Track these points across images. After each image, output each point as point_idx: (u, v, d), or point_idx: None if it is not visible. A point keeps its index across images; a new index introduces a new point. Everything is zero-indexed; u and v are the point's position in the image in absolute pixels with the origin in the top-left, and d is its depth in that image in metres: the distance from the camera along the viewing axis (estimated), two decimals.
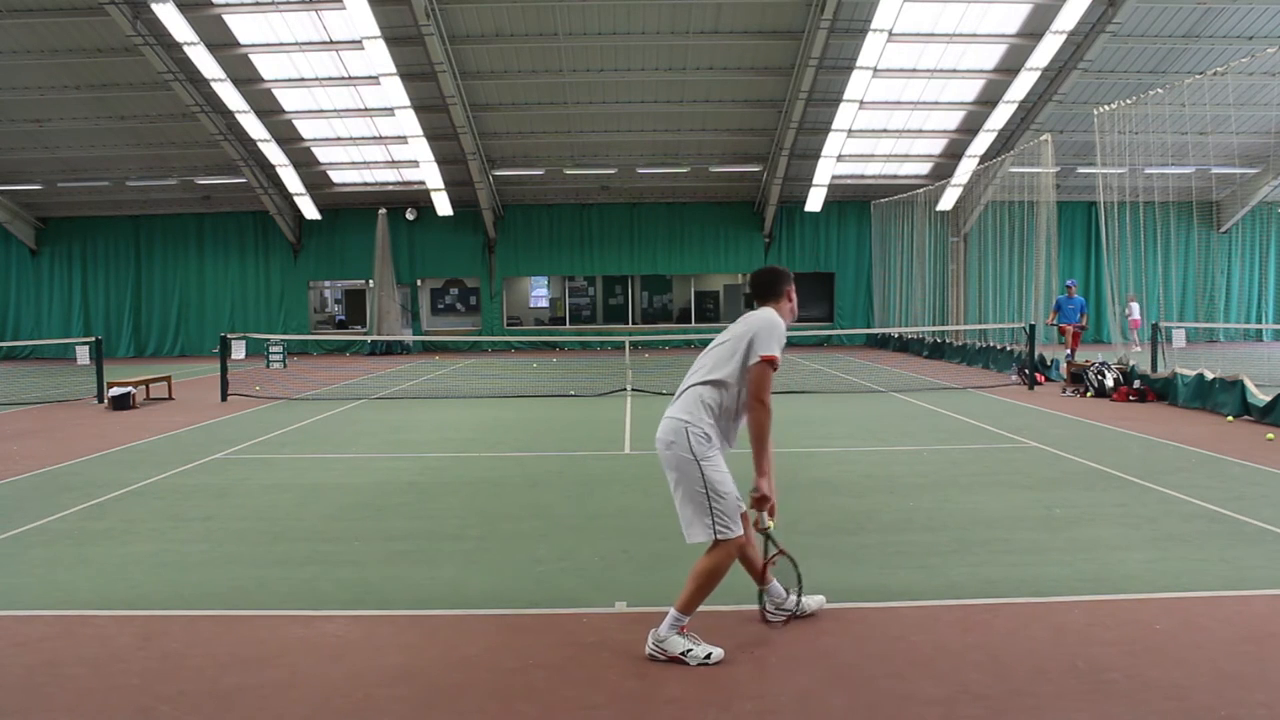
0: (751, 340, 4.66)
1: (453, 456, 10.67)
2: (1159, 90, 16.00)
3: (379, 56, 23.27)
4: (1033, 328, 18.05)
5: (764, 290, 4.97)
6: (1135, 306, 22.56)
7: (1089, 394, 15.68)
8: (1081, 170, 29.15)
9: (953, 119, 27.61)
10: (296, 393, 17.86)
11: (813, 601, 5.18)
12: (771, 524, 4.83)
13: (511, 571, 6.14)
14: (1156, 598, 5.41)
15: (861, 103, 25.84)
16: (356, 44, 23.24)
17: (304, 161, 28.99)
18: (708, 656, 4.55)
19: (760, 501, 4.67)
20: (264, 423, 13.71)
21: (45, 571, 6.25)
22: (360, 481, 9.21)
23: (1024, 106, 26.30)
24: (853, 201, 31.61)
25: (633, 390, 17.13)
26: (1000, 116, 26.52)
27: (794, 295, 5.01)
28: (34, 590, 5.85)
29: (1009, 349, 20.67)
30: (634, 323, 33.25)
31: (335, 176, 30.50)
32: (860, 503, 7.95)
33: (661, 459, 4.78)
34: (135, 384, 16.30)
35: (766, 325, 4.70)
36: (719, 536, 4.61)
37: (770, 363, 4.63)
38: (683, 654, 4.55)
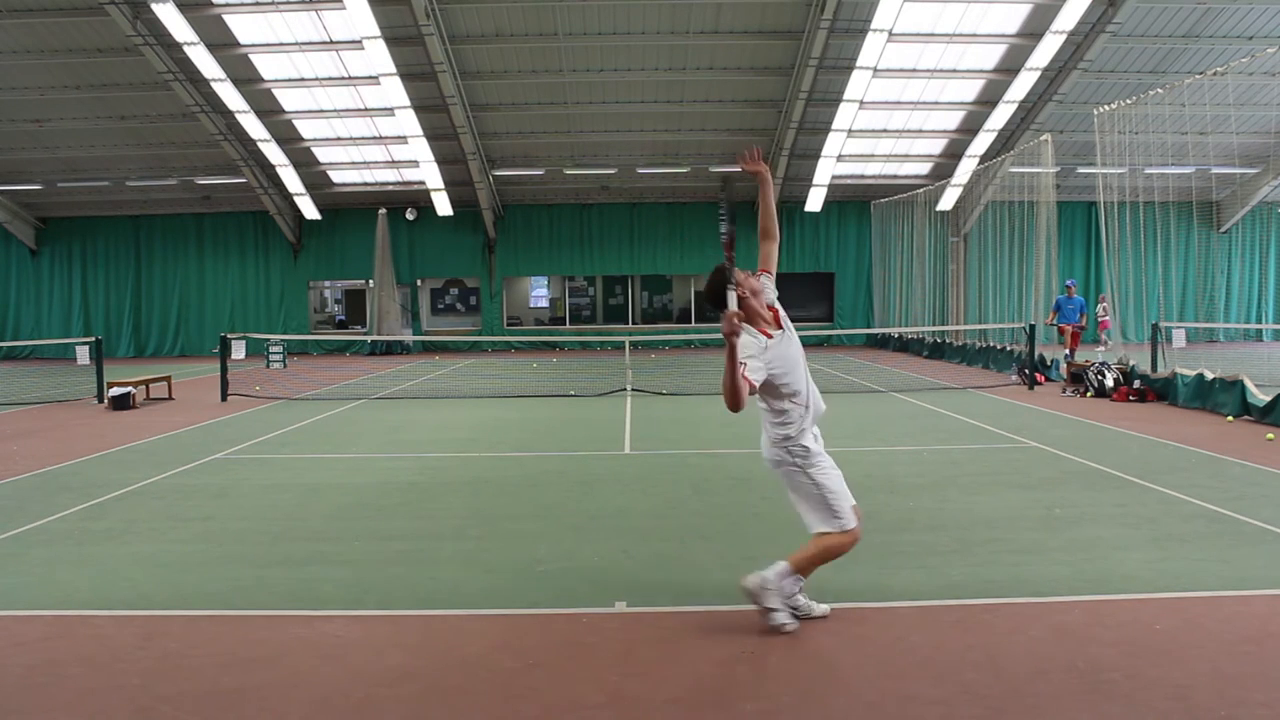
0: None
1: (453, 456, 10.67)
2: (1159, 90, 15.99)
3: (379, 56, 23.27)
4: (1033, 328, 18.04)
5: (720, 304, 4.76)
6: (1103, 308, 22.53)
7: (1089, 394, 15.69)
8: (1081, 170, 29.15)
9: (953, 119, 27.61)
10: (296, 393, 17.86)
11: (819, 609, 5.20)
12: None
13: (511, 571, 6.14)
14: (1156, 598, 5.41)
15: (861, 103, 25.84)
16: (356, 44, 23.24)
17: (304, 161, 28.99)
18: (782, 625, 4.89)
19: (730, 319, 4.50)
20: (264, 423, 13.71)
21: (45, 571, 6.25)
22: (360, 481, 9.22)
23: (1024, 106, 26.30)
24: (853, 201, 31.61)
25: (633, 390, 17.13)
26: (1000, 116, 26.52)
27: (741, 288, 4.84)
28: (34, 590, 5.85)
29: (1009, 349, 20.66)
30: (634, 323, 33.24)
31: (335, 176, 30.50)
32: (860, 502, 7.89)
33: (780, 478, 5.04)
34: (135, 384, 16.29)
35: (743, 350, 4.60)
36: (844, 528, 4.92)
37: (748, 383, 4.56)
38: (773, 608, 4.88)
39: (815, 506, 4.89)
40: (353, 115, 26.87)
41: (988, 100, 26.24)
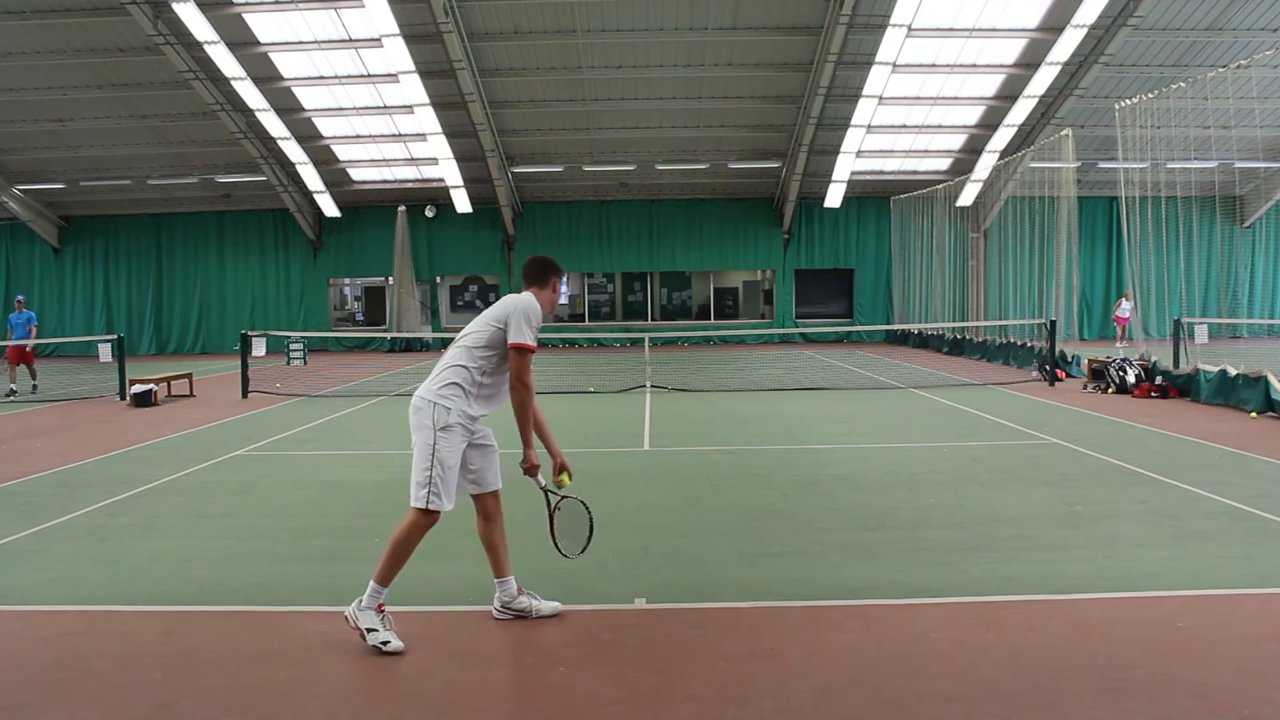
0: (506, 324, 4.88)
1: None
2: (1181, 84, 15.83)
3: (398, 54, 23.35)
4: (1054, 324, 17.91)
5: (530, 275, 5.24)
6: (1126, 305, 22.35)
7: (1110, 390, 15.57)
8: (1103, 165, 28.91)
9: (972, 114, 27.45)
10: (317, 390, 17.95)
11: (547, 606, 5.16)
12: (565, 480, 5.38)
13: (530, 567, 6.14)
14: (1178, 595, 5.36)
15: (881, 98, 25.71)
16: (376, 42, 23.33)
17: (324, 159, 29.13)
18: (385, 644, 4.62)
19: (530, 470, 5.18)
20: (285, 419, 13.79)
21: (68, 567, 6.31)
22: (380, 478, 9.24)
23: (1044, 101, 26.10)
24: (872, 197, 31.49)
25: (652, 387, 17.12)
26: (1021, 111, 26.34)
27: (560, 288, 5.28)
28: (57, 586, 5.90)
29: (1030, 345, 20.53)
30: (653, 319, 33.22)
31: (355, 174, 30.65)
32: (881, 499, 7.92)
33: (410, 424, 4.96)
34: (157, 381, 16.42)
35: (519, 310, 4.88)
36: (429, 505, 4.77)
37: (521, 350, 4.86)
38: (368, 629, 4.67)
39: (422, 472, 4.82)
40: (372, 113, 26.98)
41: (1008, 95, 26.07)
